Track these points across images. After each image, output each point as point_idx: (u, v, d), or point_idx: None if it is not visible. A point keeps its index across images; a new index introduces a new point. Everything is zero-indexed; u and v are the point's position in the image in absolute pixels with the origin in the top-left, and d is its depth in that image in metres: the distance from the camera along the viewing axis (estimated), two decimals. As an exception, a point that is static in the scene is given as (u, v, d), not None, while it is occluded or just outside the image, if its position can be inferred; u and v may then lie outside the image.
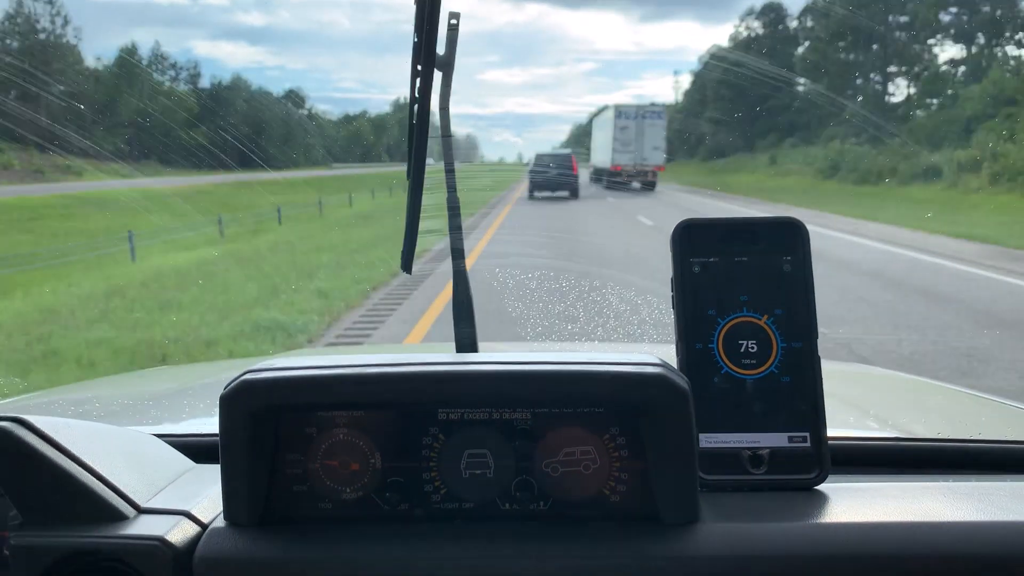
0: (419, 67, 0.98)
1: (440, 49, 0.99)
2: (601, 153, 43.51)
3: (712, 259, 0.95)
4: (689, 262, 0.95)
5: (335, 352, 2.44)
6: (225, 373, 1.29)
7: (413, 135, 1.01)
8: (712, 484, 0.92)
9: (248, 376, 0.82)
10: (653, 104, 40.11)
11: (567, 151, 39.72)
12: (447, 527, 0.85)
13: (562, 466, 0.86)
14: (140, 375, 2.62)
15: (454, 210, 1.04)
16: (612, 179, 38.39)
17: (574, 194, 28.46)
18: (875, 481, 0.97)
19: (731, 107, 52.91)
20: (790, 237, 0.94)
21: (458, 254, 1.03)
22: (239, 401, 0.82)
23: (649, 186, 38.54)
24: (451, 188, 1.05)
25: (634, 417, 0.85)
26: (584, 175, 56.59)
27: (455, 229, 1.03)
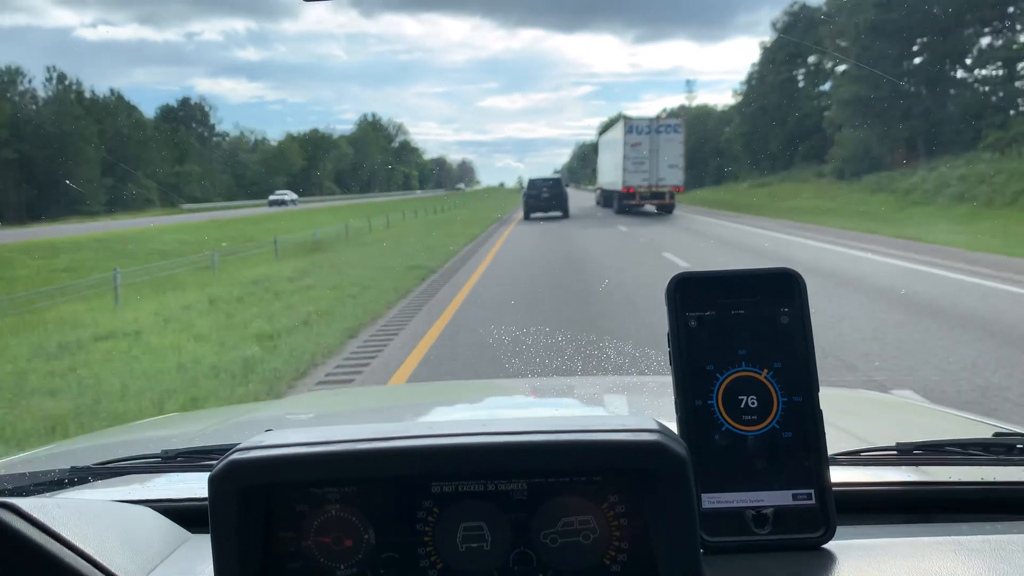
0: None
1: None
2: (610, 174, 38.81)
3: (708, 312, 0.93)
4: (685, 316, 0.93)
5: (325, 406, 2.19)
6: (234, 420, 1.32)
7: None
8: (716, 546, 0.89)
9: (236, 456, 0.81)
10: (668, 116, 35.31)
11: (557, 176, 40.01)
12: None
13: (561, 537, 0.84)
14: (142, 425, 2.57)
15: None
16: (623, 203, 33.61)
17: (565, 213, 32.81)
18: (883, 535, 0.96)
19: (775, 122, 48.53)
20: (787, 288, 0.93)
21: None
22: (227, 481, 0.80)
23: (666, 209, 33.84)
24: None
25: (633, 484, 0.83)
26: (589, 199, 52.30)
27: None
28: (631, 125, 33.96)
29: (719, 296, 0.93)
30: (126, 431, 2.30)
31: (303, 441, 0.82)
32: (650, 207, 34.01)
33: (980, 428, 1.62)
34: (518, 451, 0.80)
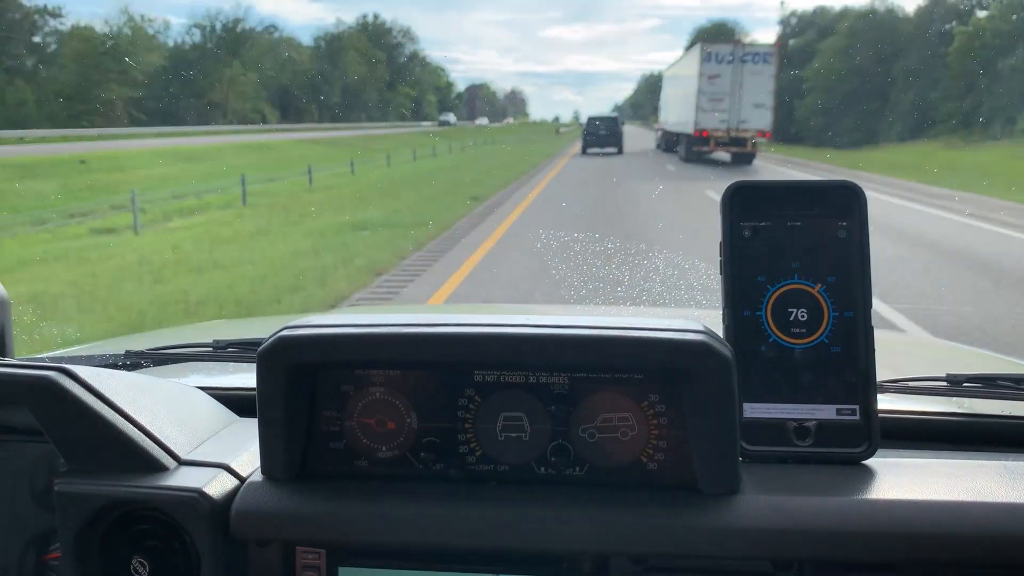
0: None
1: None
2: (677, 112, 32.09)
3: (763, 223, 0.91)
4: (739, 226, 0.91)
5: (374, 311, 2.32)
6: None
7: None
8: (755, 455, 0.89)
9: (285, 332, 0.83)
10: (755, 44, 28.34)
11: (614, 115, 38.96)
12: (481, 489, 0.85)
13: (599, 432, 0.85)
14: (197, 327, 2.69)
15: None
16: (692, 148, 27.13)
17: (620, 150, 33.21)
18: (927, 458, 0.93)
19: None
20: (846, 202, 0.90)
21: None
22: (276, 358, 0.82)
23: (745, 159, 27.28)
24: None
25: (675, 384, 0.83)
26: (649, 140, 45.72)
27: None
28: (709, 52, 27.22)
29: (776, 207, 0.90)
30: (181, 331, 2.46)
31: (350, 323, 0.84)
32: (723, 155, 27.54)
33: None
34: (561, 342, 0.80)
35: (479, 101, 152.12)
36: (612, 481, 0.85)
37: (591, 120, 35.46)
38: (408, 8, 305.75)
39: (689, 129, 28.00)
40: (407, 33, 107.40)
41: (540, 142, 44.42)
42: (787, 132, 37.61)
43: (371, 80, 75.50)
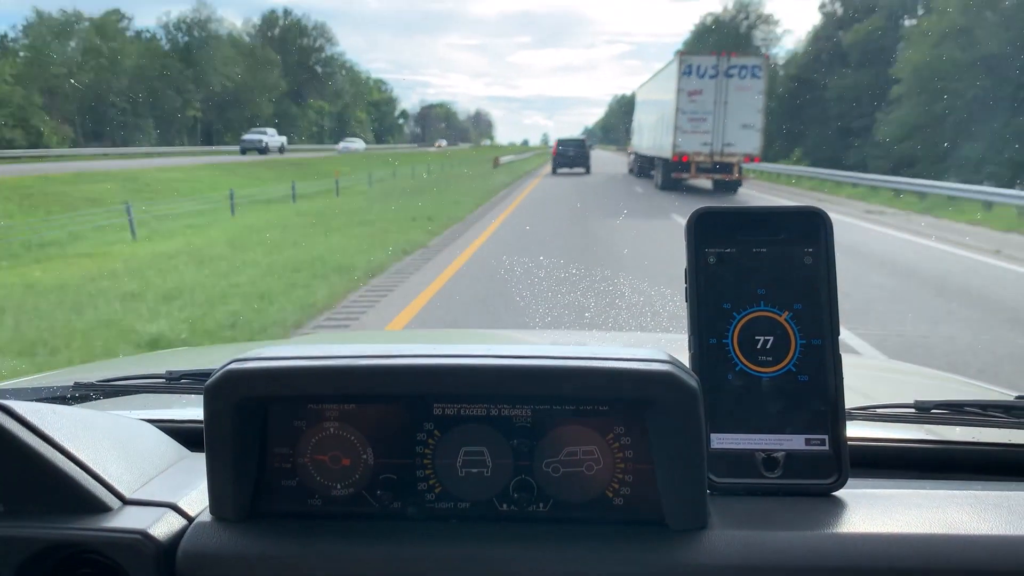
0: None
1: None
2: (652, 135, 28.58)
3: (729, 249, 0.90)
4: (704, 252, 0.90)
5: (328, 341, 2.01)
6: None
7: None
8: (723, 488, 0.87)
9: (234, 366, 0.80)
10: (742, 55, 24.84)
11: (582, 138, 41.43)
12: (441, 527, 0.82)
13: (563, 466, 0.83)
14: (152, 356, 2.74)
15: None
16: (673, 175, 23.55)
17: (587, 170, 35.80)
18: (897, 487, 0.92)
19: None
20: (812, 228, 0.89)
21: None
22: (224, 392, 0.79)
23: (730, 187, 23.79)
24: None
25: (640, 416, 0.81)
26: (621, 165, 42.36)
27: None
28: (689, 65, 23.69)
29: (741, 233, 0.90)
30: (135, 361, 2.32)
31: (303, 355, 0.80)
32: (701, 182, 23.99)
33: (996, 395, 1.60)
34: (523, 374, 0.78)
35: (436, 122, 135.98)
36: (577, 517, 0.83)
37: (561, 142, 37.89)
38: (377, 31, 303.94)
39: (667, 153, 24.39)
40: (323, 31, 79.51)
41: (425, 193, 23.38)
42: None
43: (258, 88, 58.34)
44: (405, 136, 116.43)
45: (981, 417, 1.11)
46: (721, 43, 50.71)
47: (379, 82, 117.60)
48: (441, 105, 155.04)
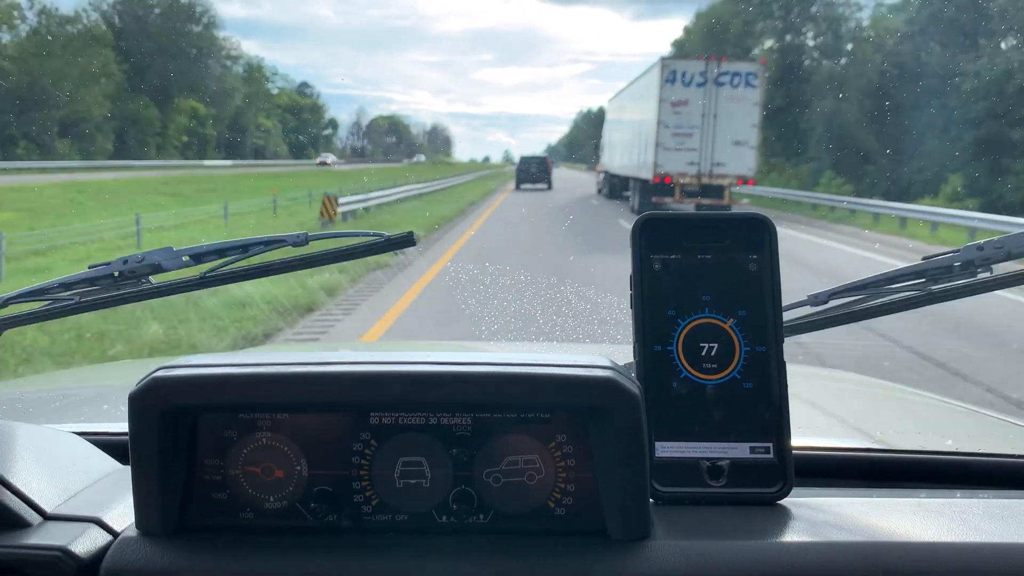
0: None
1: None
2: (629, 151, 25.09)
3: (674, 256, 0.89)
4: (649, 258, 0.89)
5: (263, 350, 2.15)
6: None
7: None
8: (667, 496, 0.87)
9: (160, 373, 0.76)
10: (735, 61, 21.39)
11: (544, 155, 42.37)
12: (378, 541, 0.79)
13: (504, 476, 0.81)
14: (101, 367, 2.69)
15: None
16: (653, 198, 20.04)
17: (549, 186, 37.27)
18: (842, 495, 0.93)
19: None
20: (757, 235, 0.89)
21: None
22: (149, 400, 0.76)
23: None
24: None
25: (583, 424, 0.80)
26: (588, 185, 39.01)
27: None
28: (673, 71, 20.23)
29: (686, 239, 0.89)
30: (82, 371, 2.25)
31: (233, 362, 0.78)
32: (680, 205, 20.52)
33: (941, 407, 1.64)
34: (462, 380, 0.76)
35: (382, 136, 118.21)
36: (518, 528, 0.81)
37: (524, 159, 38.95)
38: (339, 47, 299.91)
39: (646, 173, 20.90)
40: (206, 15, 55.44)
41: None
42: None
43: (78, 79, 39.17)
44: (337, 150, 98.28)
45: (877, 291, 1.07)
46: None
47: (303, 85, 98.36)
48: (390, 118, 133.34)
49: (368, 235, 1.23)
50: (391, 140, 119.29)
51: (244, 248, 1.20)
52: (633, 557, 0.76)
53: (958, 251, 1.04)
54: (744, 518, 0.83)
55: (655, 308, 0.89)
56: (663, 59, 20.44)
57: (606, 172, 31.15)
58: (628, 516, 0.77)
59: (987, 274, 1.04)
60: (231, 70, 58.00)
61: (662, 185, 19.96)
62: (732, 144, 19.77)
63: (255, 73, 66.59)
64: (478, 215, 20.63)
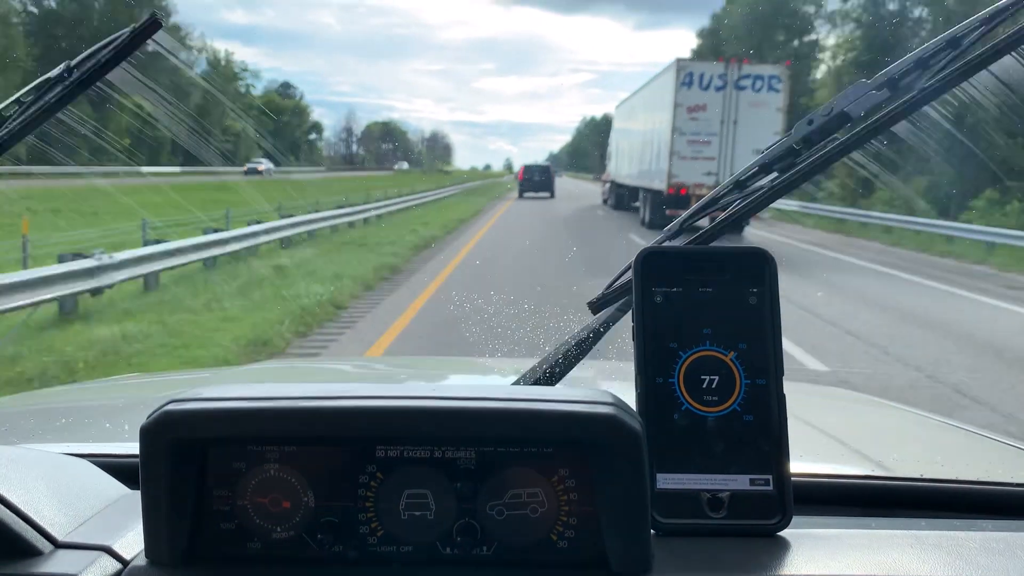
0: None
1: None
2: (640, 159, 23.62)
3: (675, 289, 0.91)
4: (651, 291, 0.91)
5: (271, 372, 2.12)
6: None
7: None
8: (668, 528, 0.88)
9: (170, 407, 0.78)
10: (757, 65, 19.84)
11: (547, 164, 43.60)
12: (383, 572, 0.82)
13: (508, 509, 0.82)
14: (103, 383, 2.61)
15: None
16: (667, 211, 18.45)
17: (552, 194, 37.76)
18: (840, 526, 0.94)
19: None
20: (757, 269, 0.91)
21: None
22: (160, 434, 0.77)
23: (735, 228, 18.61)
24: None
25: (585, 458, 0.81)
26: (593, 196, 37.52)
27: None
28: (690, 74, 18.76)
29: (687, 273, 0.91)
30: (85, 387, 2.25)
31: (243, 395, 0.79)
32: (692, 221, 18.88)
33: (945, 431, 1.63)
34: (467, 416, 0.78)
35: (375, 143, 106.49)
36: (521, 560, 0.82)
37: (528, 168, 39.72)
38: (342, 56, 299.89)
39: (659, 183, 19.39)
40: None
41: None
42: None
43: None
44: (322, 157, 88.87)
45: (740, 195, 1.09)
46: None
47: (285, 86, 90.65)
48: (385, 124, 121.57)
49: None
50: (388, 147, 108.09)
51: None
52: None
53: (789, 134, 1.04)
54: (744, 550, 0.83)
55: (656, 340, 0.89)
56: (679, 60, 18.96)
57: (613, 182, 29.66)
58: (629, 550, 0.79)
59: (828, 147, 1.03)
60: (189, 64, 49.17)
61: (677, 196, 18.43)
62: (753, 153, 18.17)
63: (220, 69, 59.31)
64: (447, 255, 14.57)
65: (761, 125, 18.13)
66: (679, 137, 18.54)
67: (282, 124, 76.85)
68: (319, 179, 51.13)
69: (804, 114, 1.04)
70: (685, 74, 18.59)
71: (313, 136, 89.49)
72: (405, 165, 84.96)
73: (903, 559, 0.81)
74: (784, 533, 0.87)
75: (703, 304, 0.90)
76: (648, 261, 0.91)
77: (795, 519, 0.87)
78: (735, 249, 0.91)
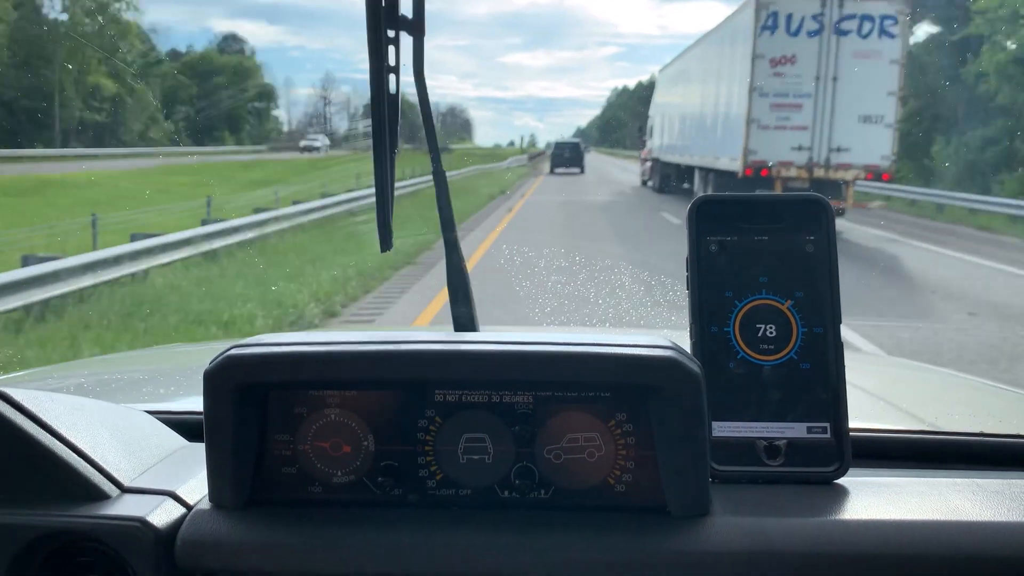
0: (387, 32, 0.95)
1: (407, 12, 0.96)
2: (697, 131, 19.04)
3: (730, 237, 0.90)
4: (706, 240, 0.90)
5: (331, 329, 2.05)
6: None
7: (381, 106, 0.97)
8: (724, 475, 0.87)
9: (234, 351, 0.79)
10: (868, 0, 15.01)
11: (577, 140, 43.09)
12: (442, 514, 0.82)
13: (565, 453, 0.83)
14: (152, 352, 2.60)
15: (440, 179, 1.02)
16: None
17: (582, 170, 37.41)
18: (899, 476, 0.92)
19: None
20: (814, 215, 0.89)
21: (448, 225, 1.01)
22: (224, 378, 0.79)
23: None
24: (436, 160, 1.02)
25: (643, 403, 0.82)
26: (629, 175, 32.94)
27: (443, 200, 1.02)
28: (774, 14, 14.02)
29: (742, 221, 0.89)
30: (133, 355, 2.33)
31: (303, 341, 0.80)
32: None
33: (992, 391, 1.60)
34: (525, 359, 0.78)
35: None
36: (578, 504, 0.83)
37: (558, 144, 39.38)
38: (365, 32, 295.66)
39: (729, 162, 14.86)
40: None
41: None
42: None
43: None
44: (277, 133, 65.95)
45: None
46: None
47: (229, 39, 68.55)
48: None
49: None
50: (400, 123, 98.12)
51: None
52: (694, 533, 0.77)
53: None
54: (802, 496, 0.83)
55: (711, 290, 0.89)
56: (759, 0, 14.25)
57: (656, 159, 25.05)
58: (688, 493, 0.79)
59: None
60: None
61: (756, 179, 13.89)
62: (859, 120, 13.64)
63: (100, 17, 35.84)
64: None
65: (871, 83, 13.49)
66: (759, 100, 13.94)
67: (211, 89, 53.78)
68: (267, 161, 37.05)
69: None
70: (768, 15, 13.91)
71: (261, 104, 63.83)
72: (319, 143, 50.66)
73: (965, 506, 0.80)
74: (841, 481, 0.86)
75: (758, 252, 0.88)
76: (702, 209, 0.90)
77: (852, 470, 0.86)
78: (791, 196, 0.90)
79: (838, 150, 13.78)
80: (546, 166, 39.05)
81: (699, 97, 18.74)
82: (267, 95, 64.96)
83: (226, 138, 52.66)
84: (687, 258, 0.90)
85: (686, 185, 20.64)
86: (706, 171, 17.12)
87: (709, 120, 17.25)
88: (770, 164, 13.90)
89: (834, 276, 0.88)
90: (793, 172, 13.90)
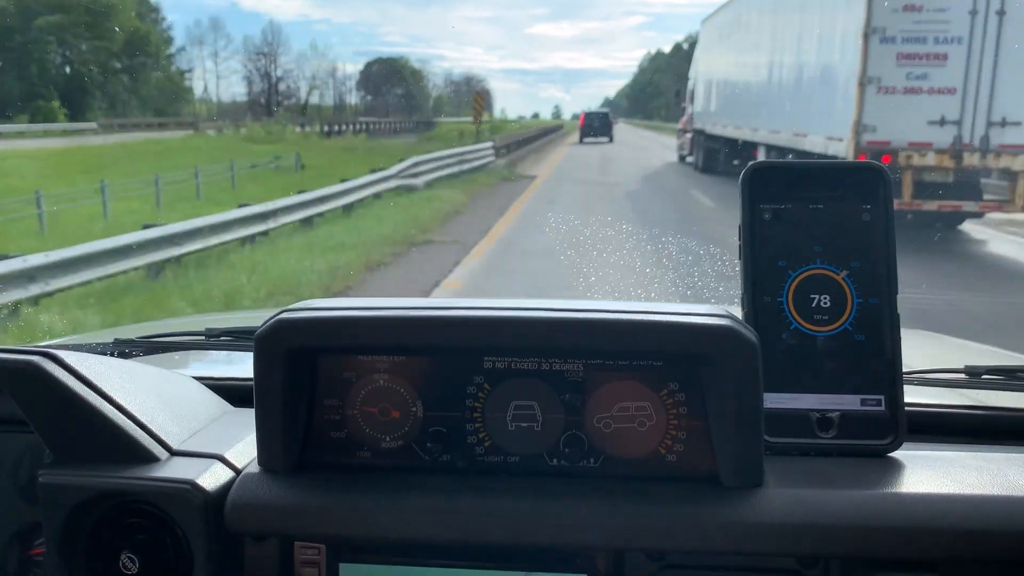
0: None
1: None
2: (766, 97, 14.19)
3: (784, 205, 0.88)
4: (759, 208, 0.88)
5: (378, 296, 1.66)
6: None
7: None
8: (777, 447, 0.86)
9: (284, 315, 0.80)
10: None
11: (606, 110, 44.94)
12: (491, 481, 0.82)
13: (615, 422, 0.83)
14: (189, 319, 2.70)
15: None
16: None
17: (611, 139, 38.08)
18: (953, 450, 0.91)
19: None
20: (871, 184, 0.87)
21: None
22: (274, 341, 0.79)
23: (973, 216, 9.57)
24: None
25: (696, 372, 0.81)
26: (665, 151, 28.23)
27: None
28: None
29: (797, 189, 0.88)
30: (172, 322, 2.33)
31: (353, 306, 0.80)
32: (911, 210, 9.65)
33: None
34: (577, 326, 0.77)
35: (382, 85, 69.31)
36: (628, 473, 0.82)
37: (588, 115, 40.88)
38: (391, 5, 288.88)
39: (829, 143, 10.23)
40: None
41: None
42: None
43: None
44: (207, 109, 53.63)
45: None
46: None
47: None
48: (389, 61, 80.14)
49: None
50: (399, 93, 70.49)
51: None
52: (747, 504, 0.76)
53: None
54: (856, 469, 0.82)
55: (764, 259, 0.87)
56: None
57: (701, 132, 20.32)
58: (742, 464, 0.78)
59: None
60: None
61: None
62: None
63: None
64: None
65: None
66: (880, 48, 9.23)
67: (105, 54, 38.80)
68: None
69: None
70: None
71: (181, 70, 49.60)
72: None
73: (1021, 480, 0.79)
74: (896, 454, 0.85)
75: (813, 221, 0.87)
76: (756, 177, 0.88)
77: (905, 444, 0.85)
78: (847, 164, 0.89)
79: (1003, 124, 9.08)
80: (540, 157, 30.63)
81: (768, 47, 13.93)
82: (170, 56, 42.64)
83: (96, 114, 35.31)
84: (739, 226, 0.88)
85: (736, 163, 15.91)
86: (781, 153, 12.43)
87: (788, 79, 12.53)
88: (897, 148, 9.22)
89: (891, 246, 0.86)
90: (932, 159, 9.22)
